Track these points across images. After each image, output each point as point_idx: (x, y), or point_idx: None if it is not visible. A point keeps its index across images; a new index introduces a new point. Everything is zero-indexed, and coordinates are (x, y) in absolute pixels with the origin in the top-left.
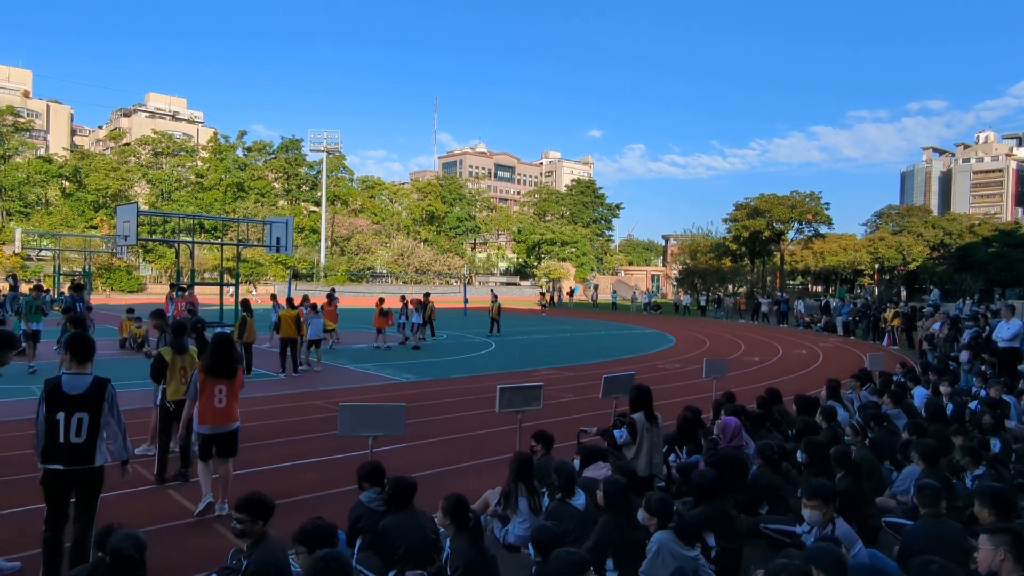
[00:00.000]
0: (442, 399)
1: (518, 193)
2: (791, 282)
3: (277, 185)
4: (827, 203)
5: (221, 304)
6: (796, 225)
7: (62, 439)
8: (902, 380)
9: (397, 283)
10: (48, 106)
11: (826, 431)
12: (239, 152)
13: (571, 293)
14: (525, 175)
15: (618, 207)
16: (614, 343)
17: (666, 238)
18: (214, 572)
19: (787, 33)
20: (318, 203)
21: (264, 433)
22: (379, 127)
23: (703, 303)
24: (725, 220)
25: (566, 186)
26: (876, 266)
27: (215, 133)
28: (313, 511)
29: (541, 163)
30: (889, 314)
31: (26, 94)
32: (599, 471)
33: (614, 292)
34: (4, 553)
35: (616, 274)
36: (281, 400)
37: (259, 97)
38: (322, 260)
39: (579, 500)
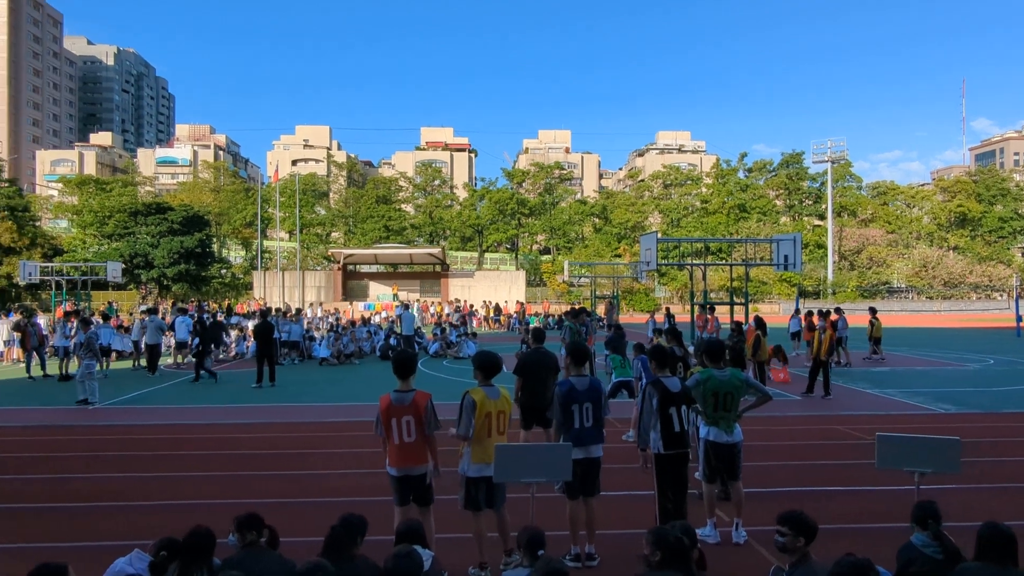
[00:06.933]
0: (1001, 436)
1: None
2: None
3: (779, 202)
4: None
5: (732, 322)
6: None
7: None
8: None
9: (920, 298)
10: (582, 157)
11: None
12: (740, 174)
13: None
14: None
15: None
16: None
17: None
18: None
19: None
20: (822, 216)
21: (786, 454)
22: (892, 125)
23: None
24: None
25: None
26: None
27: (717, 159)
28: (845, 543)
29: None
30: None
31: (567, 150)
32: None
33: None
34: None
35: None
36: (798, 422)
37: (760, 117)
38: (829, 276)
39: None
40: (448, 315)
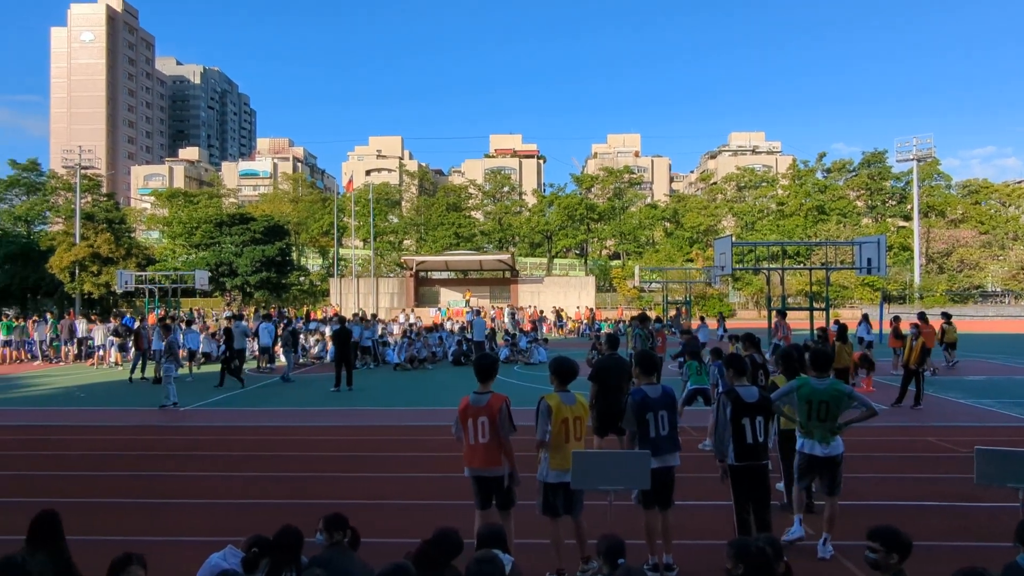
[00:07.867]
0: None
1: None
2: None
3: (859, 203)
4: None
5: (811, 329)
6: None
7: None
8: None
9: (1018, 303)
10: (652, 161)
11: None
12: (819, 175)
13: None
14: None
15: None
16: None
17: None
18: None
19: None
20: (907, 217)
21: (875, 466)
22: (984, 121)
23: None
24: None
25: None
26: None
27: (794, 160)
28: (942, 562)
29: None
30: None
31: (636, 154)
32: None
33: None
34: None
35: None
36: (887, 432)
37: (838, 116)
38: (916, 279)
39: None
40: (505, 322)
